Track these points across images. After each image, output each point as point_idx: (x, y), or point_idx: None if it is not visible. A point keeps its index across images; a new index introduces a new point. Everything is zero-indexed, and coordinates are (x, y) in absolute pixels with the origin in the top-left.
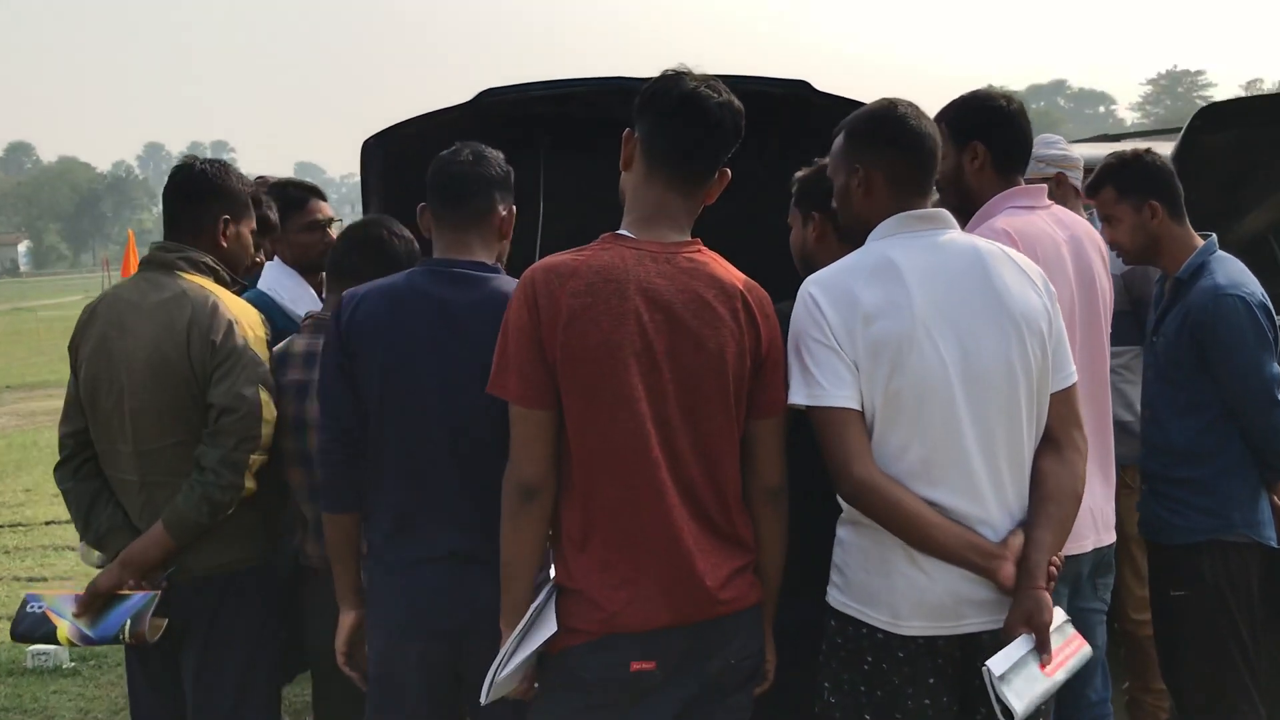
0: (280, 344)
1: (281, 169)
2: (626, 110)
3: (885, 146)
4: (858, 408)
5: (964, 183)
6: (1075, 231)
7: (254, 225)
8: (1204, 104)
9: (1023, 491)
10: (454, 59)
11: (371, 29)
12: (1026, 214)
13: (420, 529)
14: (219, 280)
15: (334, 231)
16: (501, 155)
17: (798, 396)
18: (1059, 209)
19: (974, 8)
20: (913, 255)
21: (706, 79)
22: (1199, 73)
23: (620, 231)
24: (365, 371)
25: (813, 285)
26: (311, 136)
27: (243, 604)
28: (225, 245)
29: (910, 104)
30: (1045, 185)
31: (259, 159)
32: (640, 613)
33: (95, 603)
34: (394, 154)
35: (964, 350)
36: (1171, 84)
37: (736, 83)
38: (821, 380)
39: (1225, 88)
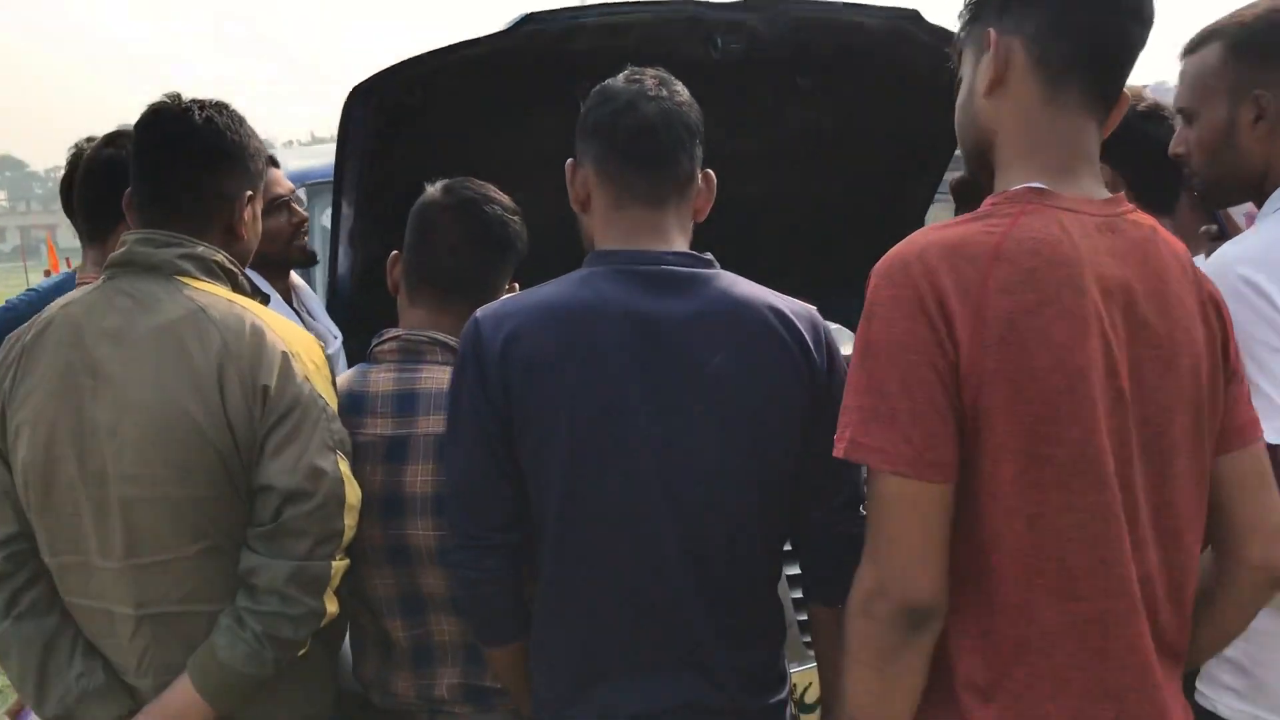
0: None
1: None
2: (693, 45)
3: None
4: None
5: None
6: None
7: (278, 190)
8: None
9: None
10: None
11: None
12: None
13: (629, 674)
14: (238, 289)
15: (300, 208)
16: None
17: (1271, 435)
18: None
19: None
20: None
21: None
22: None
23: (1033, 184)
24: (536, 441)
25: (1246, 267)
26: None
27: None
28: (244, 238)
29: None
30: None
31: None
32: None
33: None
34: (393, 111)
35: None
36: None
37: (830, 9)
38: None
39: None
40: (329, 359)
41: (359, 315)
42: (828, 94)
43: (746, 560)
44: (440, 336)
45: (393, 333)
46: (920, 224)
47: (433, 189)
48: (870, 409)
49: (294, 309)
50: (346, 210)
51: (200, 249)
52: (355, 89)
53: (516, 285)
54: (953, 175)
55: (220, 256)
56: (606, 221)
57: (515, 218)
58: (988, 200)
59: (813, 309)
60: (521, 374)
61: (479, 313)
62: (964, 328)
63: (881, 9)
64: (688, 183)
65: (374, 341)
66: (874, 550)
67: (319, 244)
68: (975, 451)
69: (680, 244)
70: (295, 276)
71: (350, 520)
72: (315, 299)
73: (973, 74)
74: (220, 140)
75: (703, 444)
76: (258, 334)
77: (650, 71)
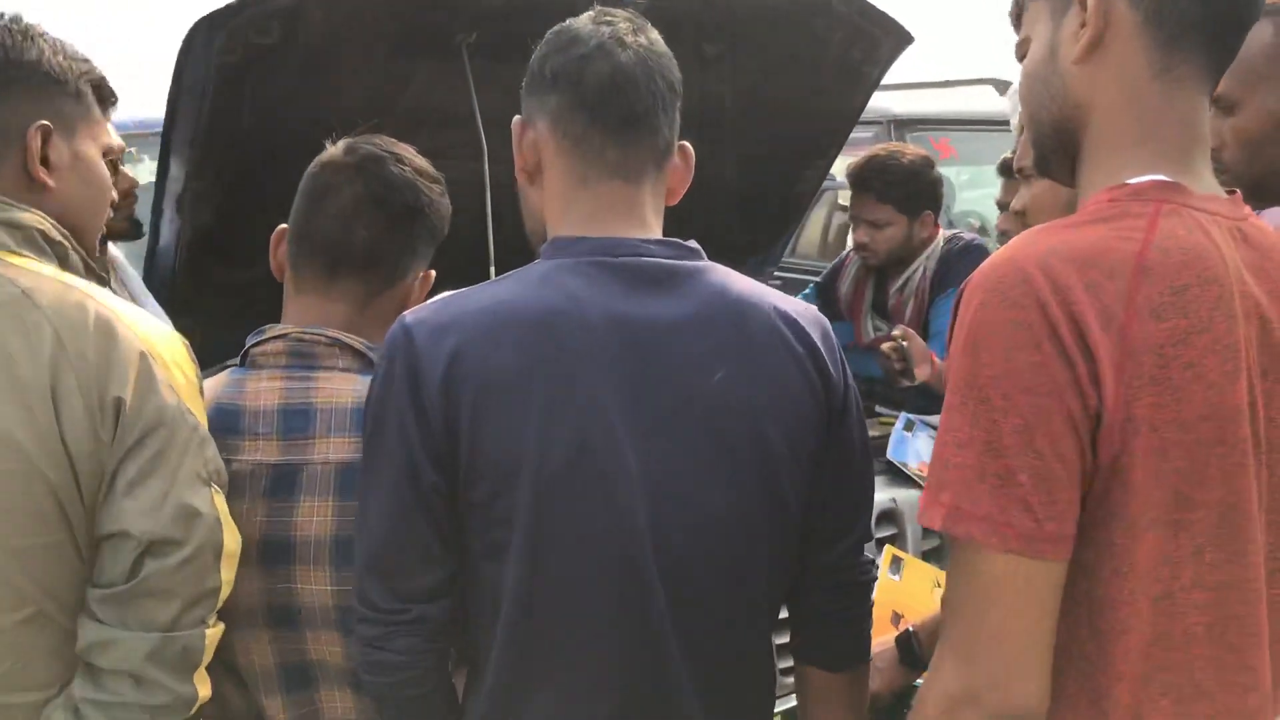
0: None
1: None
2: None
3: None
4: None
5: None
6: None
7: (110, 142)
8: None
9: None
10: None
11: None
12: None
13: None
14: (69, 266)
15: (131, 171)
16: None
17: None
18: None
19: None
20: None
21: None
22: None
23: (1159, 177)
24: (489, 492)
25: None
26: None
27: None
28: (53, 188)
29: None
30: None
31: None
32: None
33: None
34: (244, 51)
35: None
36: None
37: None
38: None
39: None
40: None
41: (180, 300)
42: (733, 64)
43: (747, 626)
44: (343, 337)
45: (277, 329)
46: (804, 212)
47: (333, 147)
48: (978, 468)
49: (113, 290)
50: (176, 169)
51: (18, 212)
52: (199, 22)
53: (432, 274)
54: (849, 160)
55: (41, 221)
56: (567, 199)
57: (434, 185)
58: (1103, 196)
59: (814, 308)
60: (472, 403)
61: (409, 318)
62: (1110, 363)
63: None
64: (667, 154)
65: (250, 340)
66: (967, 645)
67: None
68: (1102, 519)
69: (657, 229)
70: (115, 251)
71: (229, 574)
72: (137, 279)
73: (1052, 33)
74: None
75: (705, 484)
76: (105, 328)
77: (622, 12)
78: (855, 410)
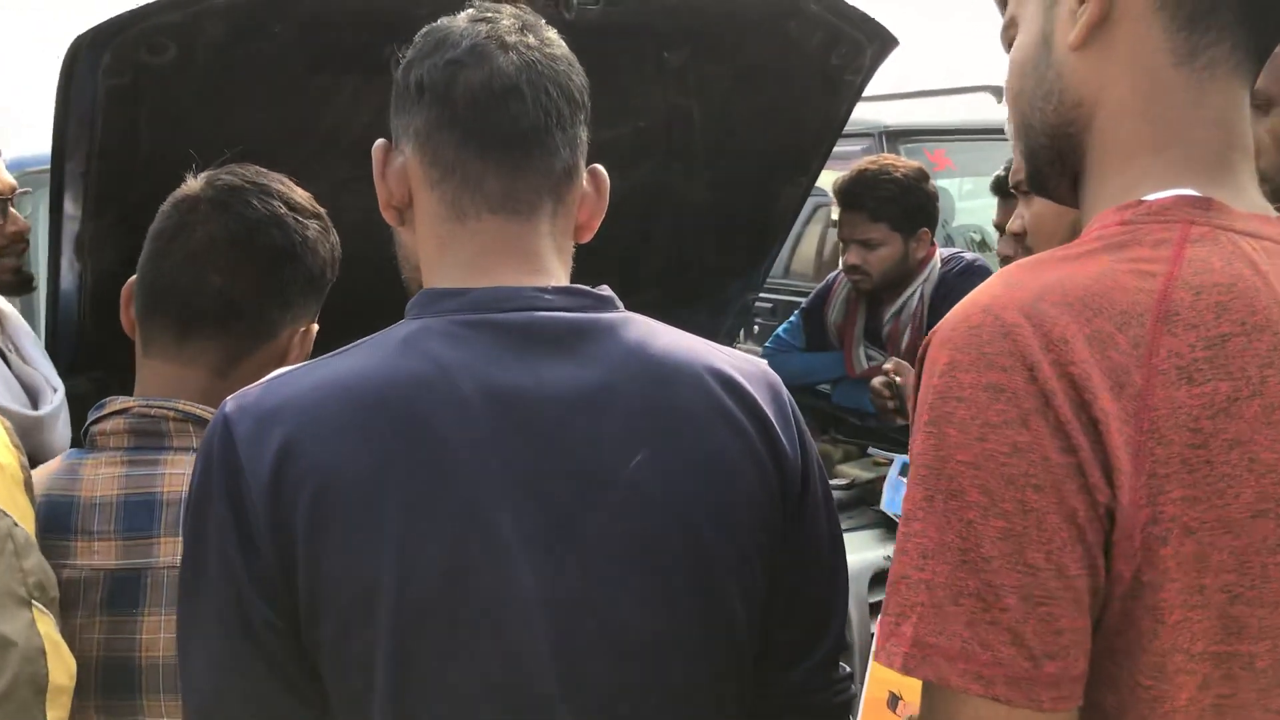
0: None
1: None
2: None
3: None
4: None
5: None
6: None
7: None
8: None
9: None
10: None
11: None
12: None
13: None
14: None
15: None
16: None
17: None
18: None
19: None
20: None
21: None
22: None
23: (1186, 191)
24: (336, 631)
25: None
26: None
27: None
28: None
29: None
30: None
31: None
32: None
33: None
34: (135, 73)
35: None
36: None
37: None
38: None
39: None
40: (40, 423)
41: (90, 353)
42: (699, 73)
43: None
44: (196, 409)
45: (119, 403)
46: (787, 231)
47: (192, 180)
48: (950, 586)
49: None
50: (72, 207)
51: None
52: (79, 40)
53: (314, 329)
54: (838, 178)
55: None
56: (441, 241)
57: (312, 221)
58: (1111, 217)
59: (763, 364)
60: (309, 515)
61: (230, 404)
62: (1124, 444)
63: None
64: (567, 180)
65: (90, 416)
66: None
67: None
68: (1124, 654)
69: (560, 275)
70: (3, 304)
71: (59, 713)
72: (31, 335)
73: (1044, 13)
74: None
75: (625, 603)
76: None
77: (508, 9)
78: (819, 491)
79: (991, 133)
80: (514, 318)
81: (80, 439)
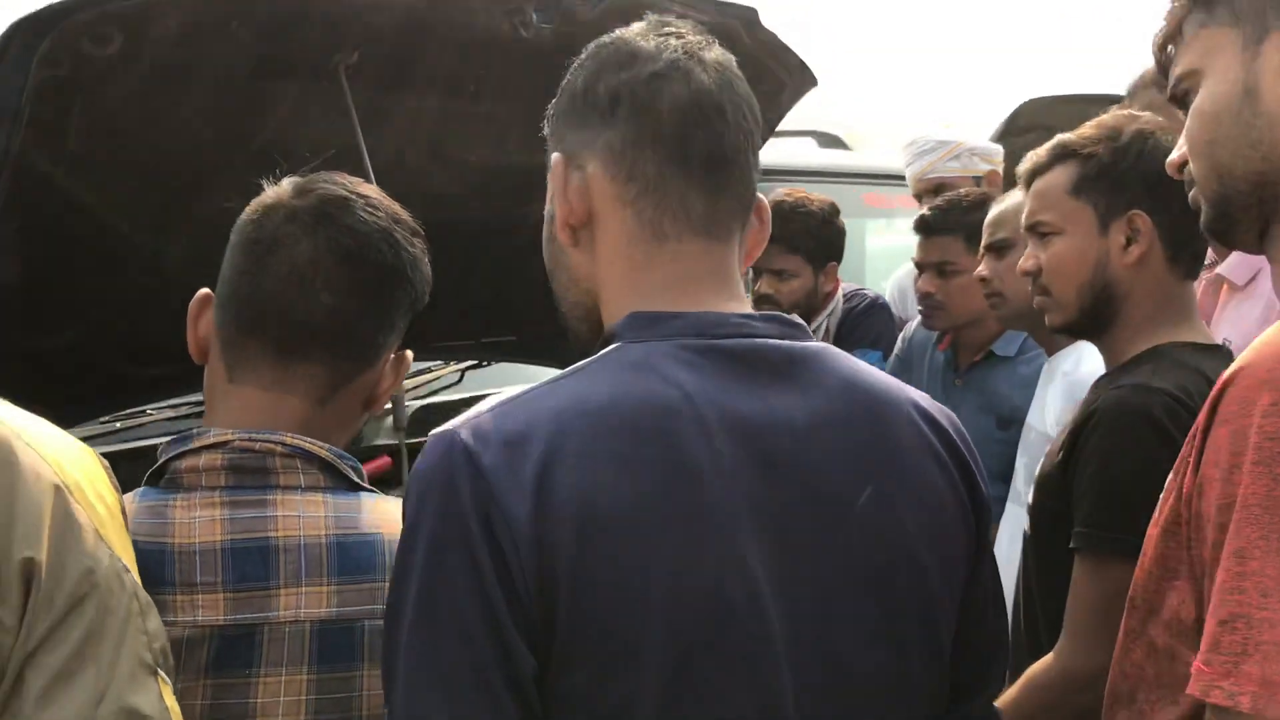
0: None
1: None
2: (497, 19)
3: None
4: None
5: None
6: None
7: None
8: None
9: None
10: None
11: None
12: None
13: None
14: None
15: None
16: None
17: None
18: None
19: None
20: None
21: None
22: None
23: None
24: (600, 669)
25: None
26: None
27: None
28: None
29: None
30: None
31: None
32: None
33: None
34: (73, 64)
35: None
36: None
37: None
38: None
39: None
40: None
41: None
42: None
43: None
44: (305, 443)
45: (213, 435)
46: None
47: (275, 187)
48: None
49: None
50: None
51: None
52: (19, 23)
53: (409, 356)
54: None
55: None
56: (635, 262)
57: (415, 240)
58: None
59: (943, 405)
60: (573, 548)
61: (461, 432)
62: None
63: (719, 3)
64: (751, 205)
65: (168, 450)
66: None
67: None
68: None
69: (748, 302)
70: None
71: None
72: None
73: (1244, 67)
74: None
75: (858, 643)
76: (3, 453)
77: (682, 23)
78: (989, 528)
79: (816, 175)
80: (738, 344)
81: (153, 476)
